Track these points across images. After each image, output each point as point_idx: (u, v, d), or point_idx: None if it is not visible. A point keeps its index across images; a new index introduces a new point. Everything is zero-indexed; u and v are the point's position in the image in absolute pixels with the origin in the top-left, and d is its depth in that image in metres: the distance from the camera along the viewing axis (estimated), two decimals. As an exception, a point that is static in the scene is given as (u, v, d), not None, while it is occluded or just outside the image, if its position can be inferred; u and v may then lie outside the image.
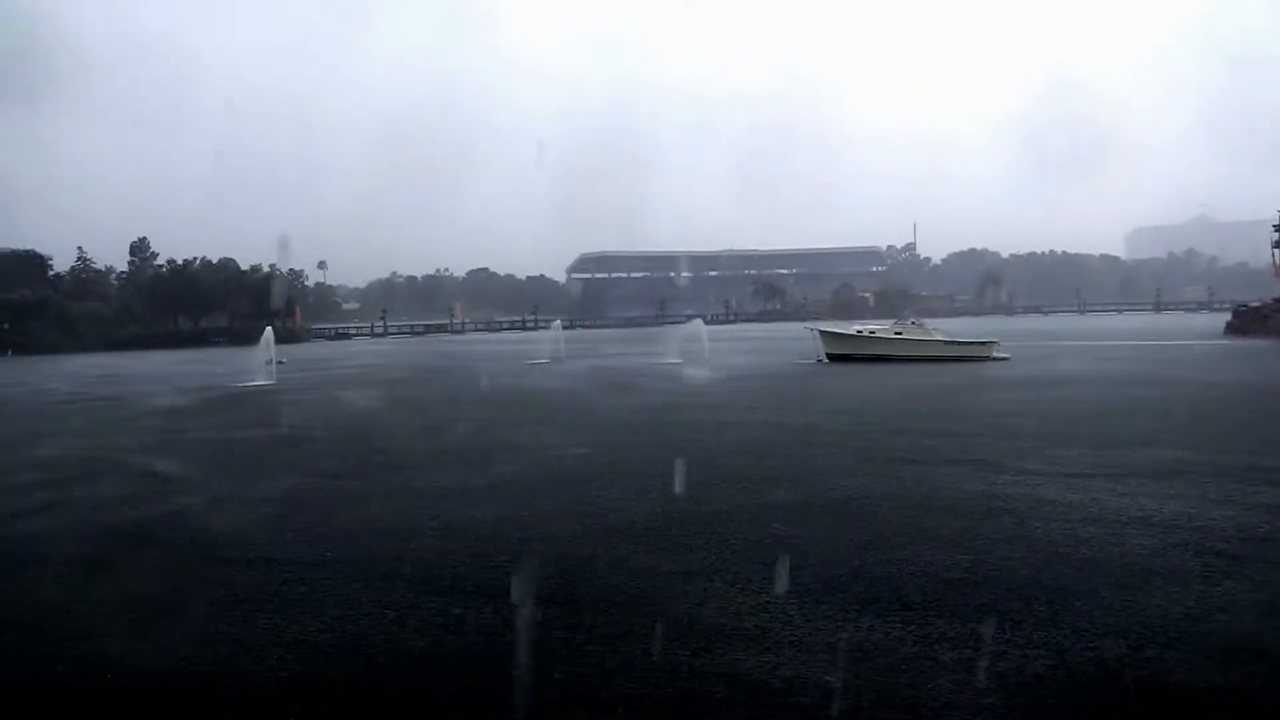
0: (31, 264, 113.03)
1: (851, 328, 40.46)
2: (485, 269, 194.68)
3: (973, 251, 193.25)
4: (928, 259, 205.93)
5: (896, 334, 35.67)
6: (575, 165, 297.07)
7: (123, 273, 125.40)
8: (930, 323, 39.10)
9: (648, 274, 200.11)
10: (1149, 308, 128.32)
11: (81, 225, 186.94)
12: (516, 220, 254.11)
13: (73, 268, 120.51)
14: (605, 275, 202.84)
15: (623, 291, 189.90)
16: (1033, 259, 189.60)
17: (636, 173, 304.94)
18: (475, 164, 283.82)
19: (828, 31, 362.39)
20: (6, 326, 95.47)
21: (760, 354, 44.00)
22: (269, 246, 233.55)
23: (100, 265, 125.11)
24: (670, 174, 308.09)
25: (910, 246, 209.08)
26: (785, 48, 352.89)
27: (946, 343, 34.83)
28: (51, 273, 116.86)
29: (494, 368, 40.47)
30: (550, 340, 48.57)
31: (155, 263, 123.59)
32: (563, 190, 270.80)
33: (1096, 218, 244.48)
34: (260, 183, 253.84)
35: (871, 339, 35.78)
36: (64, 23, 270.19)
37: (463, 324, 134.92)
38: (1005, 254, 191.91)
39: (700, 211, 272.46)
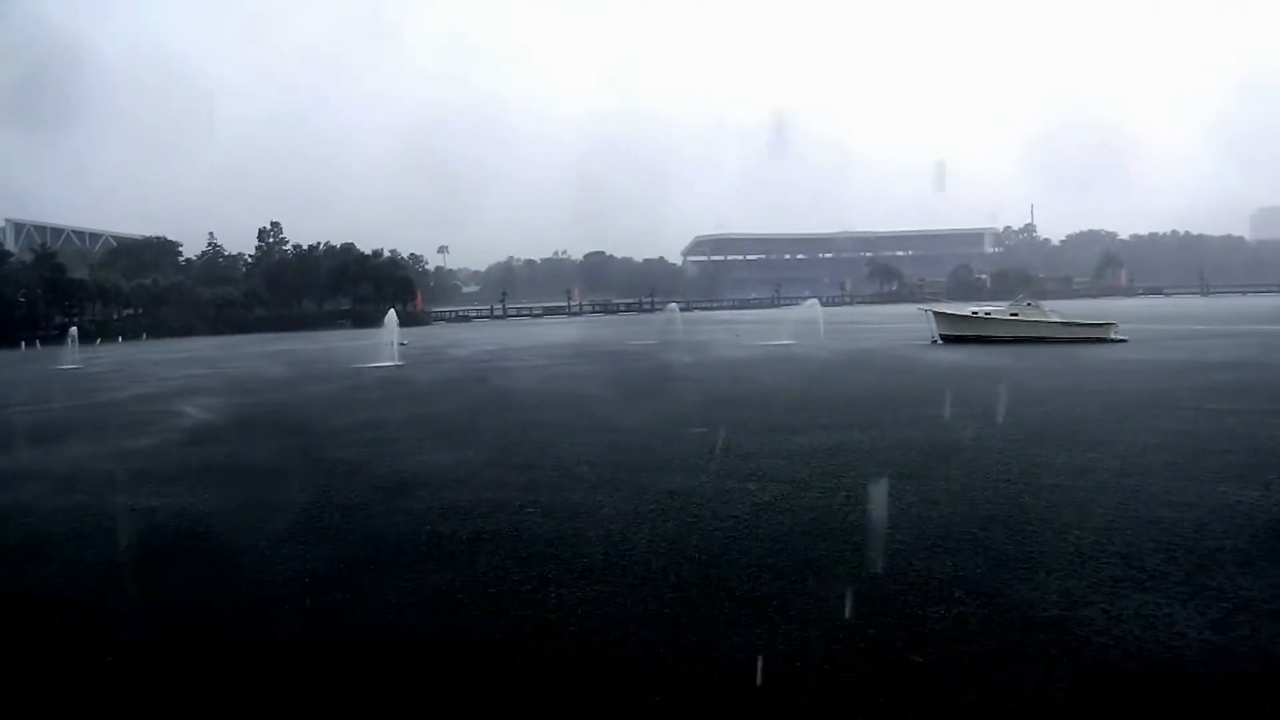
0: (163, 250, 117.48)
1: (966, 309, 40.73)
2: (602, 252, 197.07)
3: (1091, 233, 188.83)
4: (1046, 240, 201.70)
5: (1012, 315, 35.71)
6: (692, 149, 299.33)
7: (250, 258, 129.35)
8: (1047, 304, 39.02)
9: (763, 256, 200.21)
10: (1276, 289, 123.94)
11: (211, 213, 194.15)
12: (632, 204, 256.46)
13: (203, 253, 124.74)
14: (721, 258, 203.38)
15: (738, 274, 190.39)
16: (1153, 240, 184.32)
17: (752, 155, 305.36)
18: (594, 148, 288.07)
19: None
20: (140, 311, 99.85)
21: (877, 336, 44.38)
22: (389, 232, 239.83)
23: (230, 251, 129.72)
24: (787, 155, 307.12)
25: (1028, 227, 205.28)
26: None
27: (1062, 324, 34.66)
28: (182, 258, 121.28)
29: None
30: (798, 321, 44.85)
31: (282, 248, 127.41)
32: (677, 173, 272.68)
33: (1220, 197, 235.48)
34: (384, 171, 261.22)
35: (986, 320, 35.85)
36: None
37: (580, 306, 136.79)
38: (1125, 235, 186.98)
39: (812, 193, 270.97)
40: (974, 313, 37.76)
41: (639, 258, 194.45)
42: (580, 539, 7.66)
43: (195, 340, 74.34)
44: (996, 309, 38.20)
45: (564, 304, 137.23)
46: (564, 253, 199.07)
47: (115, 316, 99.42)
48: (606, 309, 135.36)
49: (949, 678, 4.85)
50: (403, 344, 41.31)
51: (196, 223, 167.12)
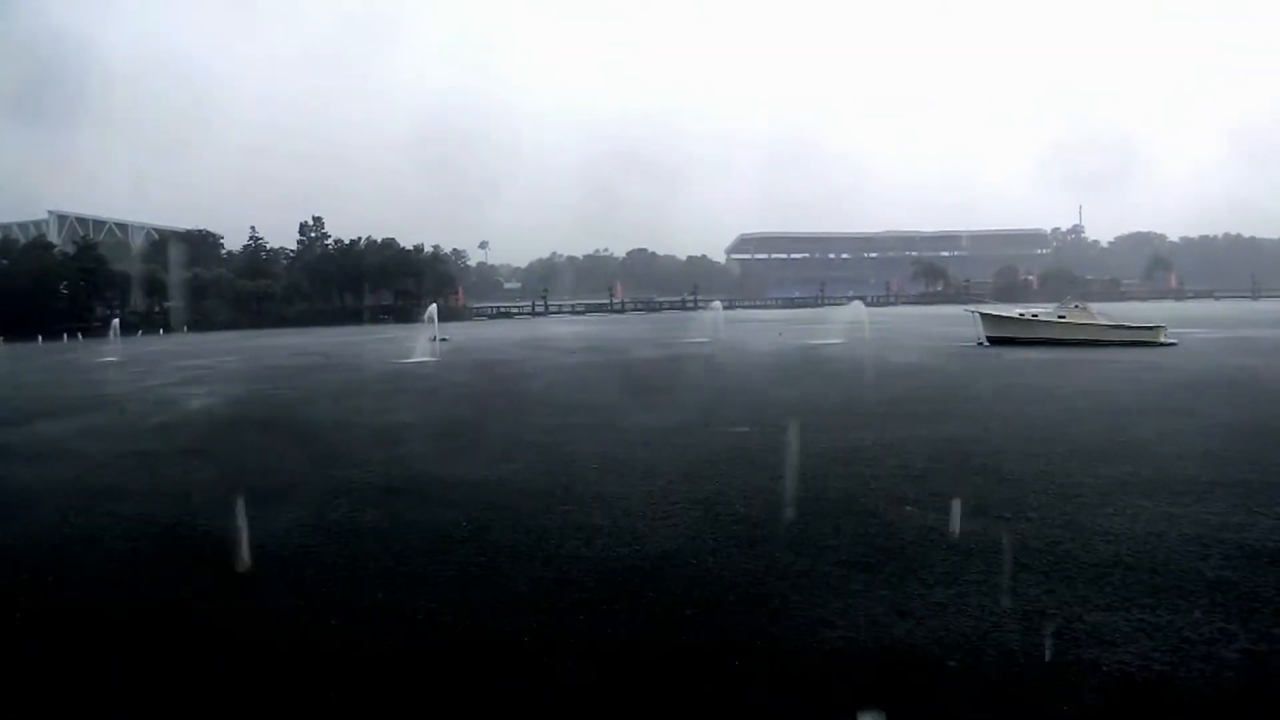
0: (205, 243, 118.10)
1: (1013, 310, 40.55)
2: (644, 249, 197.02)
3: (1140, 234, 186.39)
4: (1095, 241, 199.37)
5: (1060, 317, 35.52)
6: (738, 146, 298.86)
7: (292, 252, 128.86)
8: (1095, 306, 38.75)
9: (807, 255, 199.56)
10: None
11: (253, 206, 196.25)
12: (675, 200, 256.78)
13: (245, 246, 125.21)
14: (765, 256, 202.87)
15: (782, 272, 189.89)
16: (1205, 242, 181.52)
17: (797, 154, 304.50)
18: (639, 144, 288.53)
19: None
20: (182, 304, 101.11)
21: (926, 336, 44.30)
22: (431, 227, 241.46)
23: (272, 244, 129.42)
24: (833, 155, 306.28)
25: (1076, 229, 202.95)
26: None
27: (1111, 326, 34.43)
28: (224, 252, 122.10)
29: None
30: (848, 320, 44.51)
31: (324, 242, 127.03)
32: (722, 170, 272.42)
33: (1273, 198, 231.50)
34: (424, 165, 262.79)
35: (1033, 322, 35.64)
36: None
37: (623, 303, 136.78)
38: (1174, 237, 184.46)
39: (857, 192, 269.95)
40: (1021, 314, 37.56)
41: (682, 255, 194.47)
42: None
43: (236, 334, 74.72)
44: (1044, 311, 38.01)
45: (606, 301, 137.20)
46: (606, 250, 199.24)
47: (157, 309, 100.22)
48: (649, 307, 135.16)
49: None
50: (443, 339, 41.56)
51: (234, 216, 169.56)
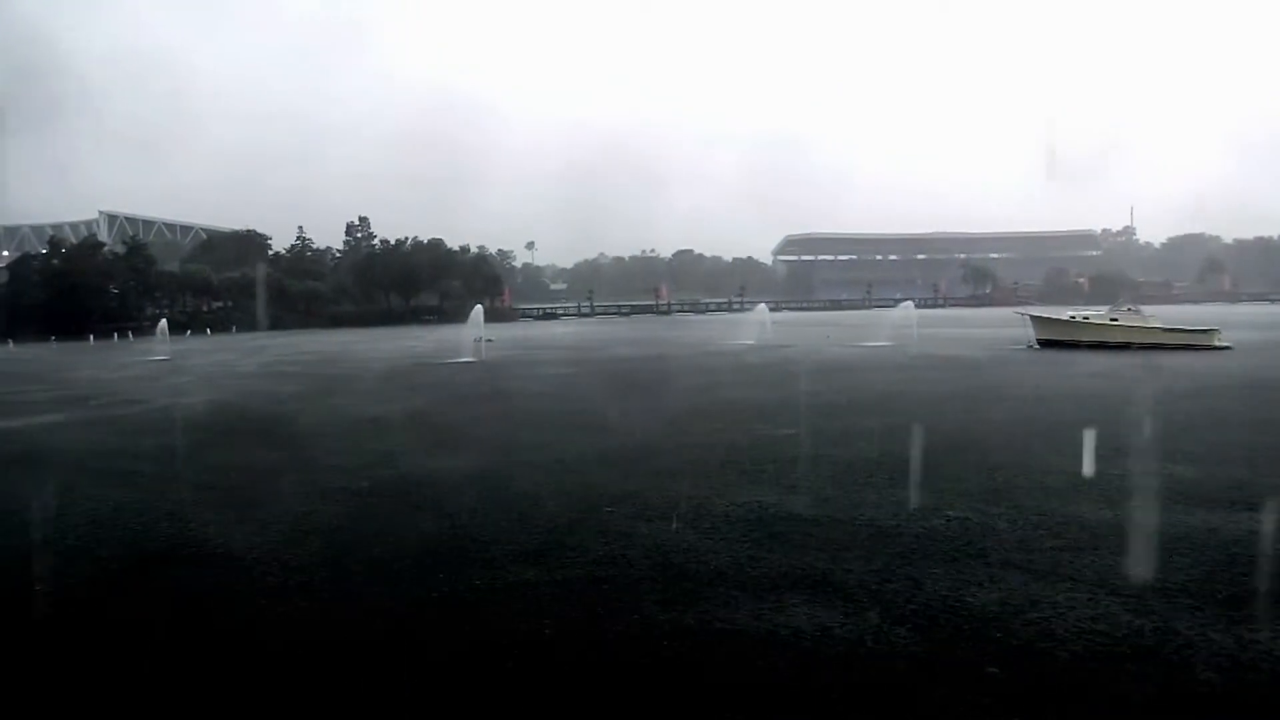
0: (253, 243, 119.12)
1: (1064, 313, 40.21)
2: (691, 250, 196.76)
3: (1193, 236, 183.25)
4: (1147, 243, 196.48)
5: (1112, 320, 35.23)
6: (781, 146, 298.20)
7: (339, 252, 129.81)
8: (1147, 309, 38.39)
9: (854, 256, 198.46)
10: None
11: (301, 208, 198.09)
12: (723, 202, 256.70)
13: (291, 247, 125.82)
14: (811, 258, 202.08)
15: (829, 274, 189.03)
16: (1261, 244, 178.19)
17: (841, 154, 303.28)
18: (683, 145, 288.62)
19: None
20: (230, 303, 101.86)
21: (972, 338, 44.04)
22: (478, 228, 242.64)
23: (318, 245, 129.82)
24: (876, 153, 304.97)
25: (1127, 230, 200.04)
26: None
27: (1164, 329, 34.00)
28: (271, 252, 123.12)
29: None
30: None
31: (371, 242, 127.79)
32: (768, 172, 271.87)
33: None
34: (471, 168, 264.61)
35: (1085, 325, 35.33)
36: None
37: (669, 305, 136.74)
38: (1229, 239, 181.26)
39: (906, 193, 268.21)
40: (1072, 317, 37.30)
41: (728, 256, 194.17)
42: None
43: (284, 334, 75.26)
44: (1096, 314, 37.71)
45: (652, 302, 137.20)
46: (652, 250, 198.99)
47: (205, 309, 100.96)
48: (695, 308, 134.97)
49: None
50: (488, 340, 41.63)
51: (286, 217, 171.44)
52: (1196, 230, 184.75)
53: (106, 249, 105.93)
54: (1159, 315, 37.39)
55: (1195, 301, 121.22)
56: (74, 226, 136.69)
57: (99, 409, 22.62)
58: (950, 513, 8.93)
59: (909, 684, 5.26)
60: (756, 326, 47.79)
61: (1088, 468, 10.94)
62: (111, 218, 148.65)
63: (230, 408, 22.30)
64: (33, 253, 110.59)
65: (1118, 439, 13.08)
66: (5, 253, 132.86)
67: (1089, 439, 12.10)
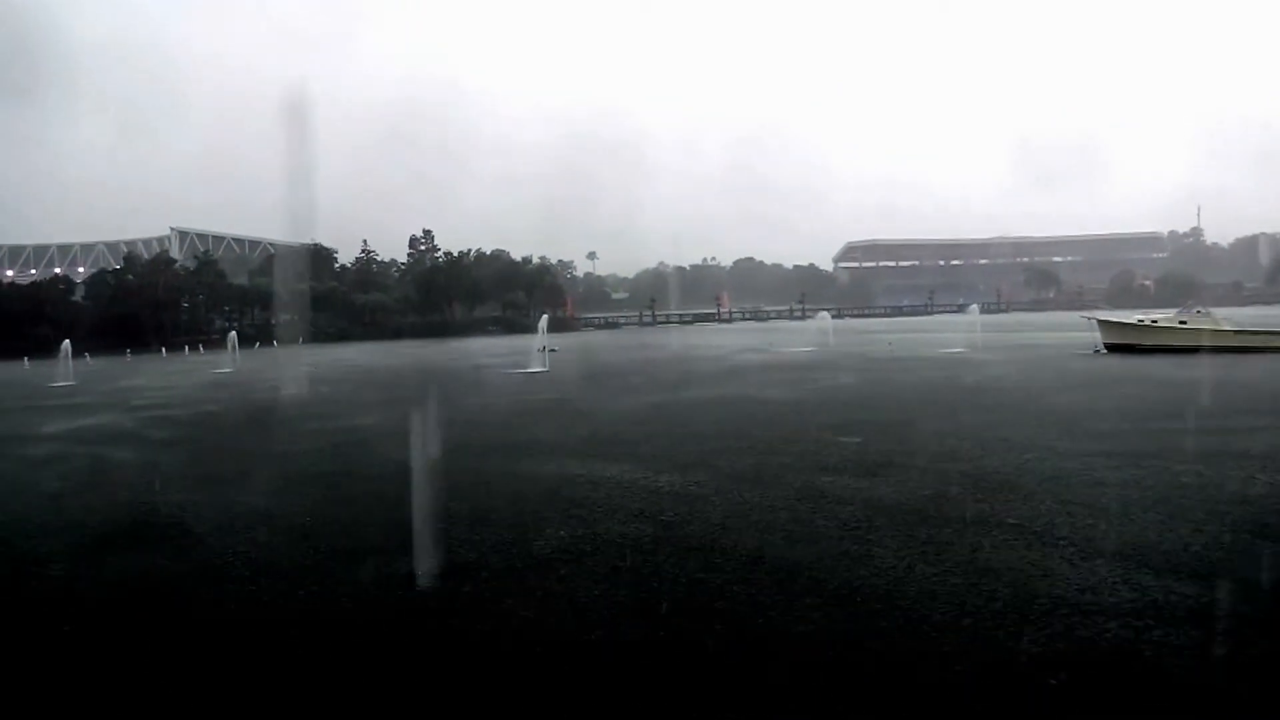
0: (319, 257, 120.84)
1: (1132, 317, 39.63)
2: (751, 258, 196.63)
3: (1264, 235, 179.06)
4: (1215, 244, 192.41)
5: (1181, 323, 34.66)
6: (839, 151, 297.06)
7: (403, 265, 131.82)
8: (1217, 312, 37.78)
9: (916, 262, 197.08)
10: None
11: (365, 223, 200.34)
12: (781, 209, 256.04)
13: (356, 259, 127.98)
14: (873, 264, 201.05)
15: (890, 280, 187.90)
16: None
17: (898, 159, 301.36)
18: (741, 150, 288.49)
19: None
20: (296, 317, 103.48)
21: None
22: (539, 239, 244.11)
23: (383, 258, 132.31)
24: (939, 159, 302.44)
25: (1195, 231, 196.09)
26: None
27: (1235, 332, 33.38)
28: (337, 265, 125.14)
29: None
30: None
31: (434, 255, 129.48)
32: (825, 178, 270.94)
33: None
34: (535, 180, 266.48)
35: (1154, 328, 34.70)
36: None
37: (730, 313, 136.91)
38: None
39: (965, 199, 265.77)
40: (1140, 321, 36.80)
41: (789, 264, 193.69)
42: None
43: (351, 346, 76.24)
44: (1164, 317, 37.20)
45: (713, 311, 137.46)
46: (713, 259, 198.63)
47: (273, 321, 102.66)
48: (756, 316, 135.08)
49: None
50: (553, 350, 41.82)
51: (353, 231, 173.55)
52: (1268, 230, 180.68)
53: (178, 264, 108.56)
54: (1230, 317, 36.79)
55: (1266, 302, 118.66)
56: (146, 243, 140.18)
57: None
58: None
59: None
60: (816, 334, 47.76)
61: None
62: (183, 234, 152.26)
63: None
64: (108, 269, 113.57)
65: None
66: (81, 269, 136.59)
67: None
